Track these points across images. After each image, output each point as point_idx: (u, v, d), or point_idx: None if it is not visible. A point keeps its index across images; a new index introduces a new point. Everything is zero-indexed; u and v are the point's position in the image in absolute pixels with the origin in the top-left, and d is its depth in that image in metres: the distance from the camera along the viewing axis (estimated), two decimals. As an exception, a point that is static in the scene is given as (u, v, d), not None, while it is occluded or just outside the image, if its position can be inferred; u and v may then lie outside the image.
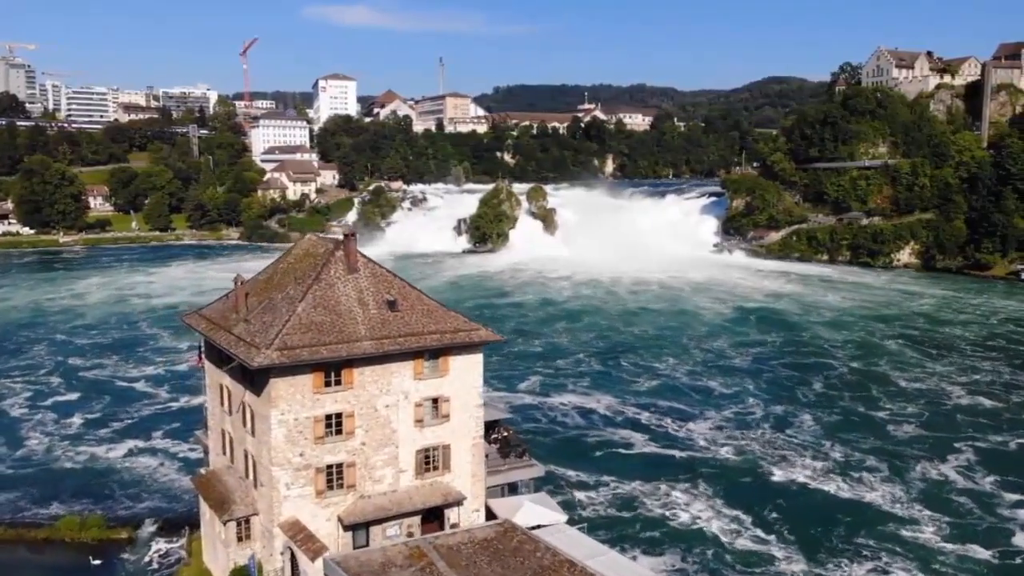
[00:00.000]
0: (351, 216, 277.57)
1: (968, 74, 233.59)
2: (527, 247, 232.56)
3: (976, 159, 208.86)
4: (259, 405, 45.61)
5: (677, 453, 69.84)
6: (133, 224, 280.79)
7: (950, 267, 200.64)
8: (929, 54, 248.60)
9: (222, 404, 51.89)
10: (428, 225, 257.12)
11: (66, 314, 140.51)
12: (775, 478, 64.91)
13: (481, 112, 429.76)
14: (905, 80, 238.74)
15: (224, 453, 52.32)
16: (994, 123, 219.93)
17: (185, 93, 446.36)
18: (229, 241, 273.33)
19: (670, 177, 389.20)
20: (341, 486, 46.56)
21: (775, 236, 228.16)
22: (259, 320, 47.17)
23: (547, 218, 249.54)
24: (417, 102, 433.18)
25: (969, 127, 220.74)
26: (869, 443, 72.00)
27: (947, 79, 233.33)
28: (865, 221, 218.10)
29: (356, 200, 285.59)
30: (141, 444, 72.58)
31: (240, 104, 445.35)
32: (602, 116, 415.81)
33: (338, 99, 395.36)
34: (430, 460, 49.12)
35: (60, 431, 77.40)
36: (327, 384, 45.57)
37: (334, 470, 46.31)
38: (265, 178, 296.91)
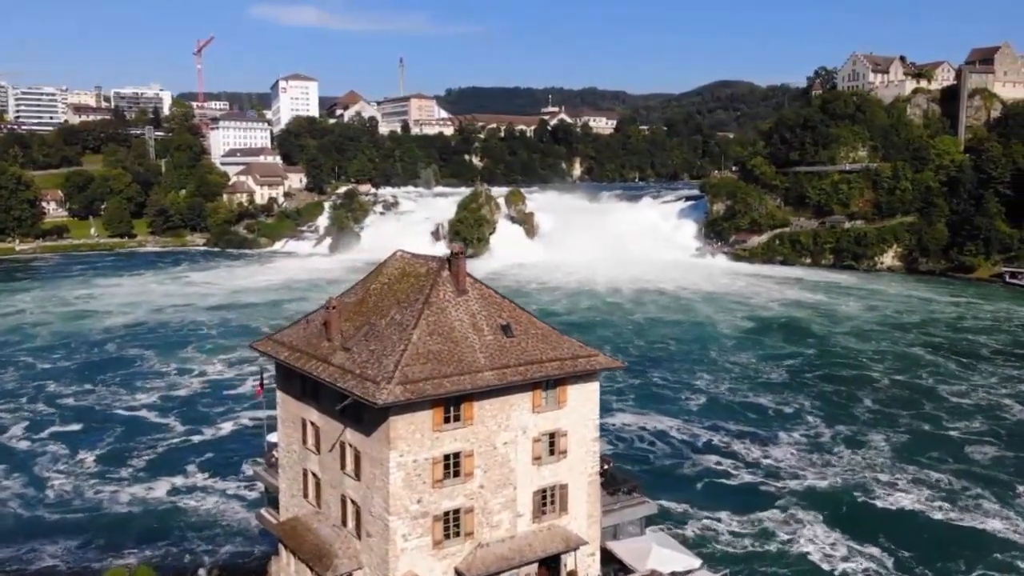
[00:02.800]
0: (322, 221, 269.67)
1: (943, 79, 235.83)
2: (508, 252, 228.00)
3: (956, 163, 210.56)
4: (370, 446, 40.44)
5: (775, 481, 65.97)
6: (92, 230, 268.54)
7: (933, 270, 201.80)
8: (902, 59, 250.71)
9: (305, 442, 46.44)
10: (404, 230, 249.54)
11: (16, 333, 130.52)
12: (882, 504, 61.60)
13: (444, 114, 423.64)
14: (881, 84, 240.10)
15: (306, 496, 46.83)
16: (969, 127, 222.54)
17: (138, 93, 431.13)
18: (195, 247, 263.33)
19: (636, 180, 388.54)
20: (458, 534, 41.74)
21: (758, 240, 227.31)
22: (364, 349, 41.94)
23: (527, 222, 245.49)
24: (380, 103, 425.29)
25: (946, 131, 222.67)
26: (956, 465, 69.25)
27: (923, 83, 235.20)
28: (847, 225, 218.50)
29: (326, 204, 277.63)
30: (180, 482, 66.05)
31: (194, 105, 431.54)
32: (567, 119, 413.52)
33: (299, 100, 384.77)
34: (547, 501, 44.52)
35: (79, 469, 70.52)
36: (446, 420, 40.70)
37: (451, 516, 41.44)
38: (231, 181, 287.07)
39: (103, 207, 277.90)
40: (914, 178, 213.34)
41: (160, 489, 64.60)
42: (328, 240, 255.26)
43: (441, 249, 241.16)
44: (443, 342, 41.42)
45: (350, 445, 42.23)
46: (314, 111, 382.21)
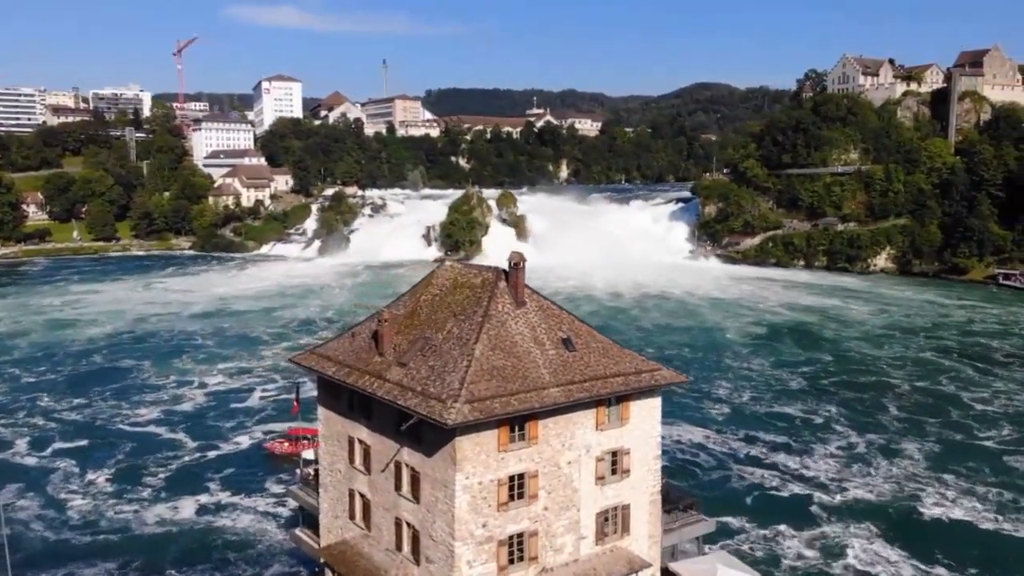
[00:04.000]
0: (310, 223, 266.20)
1: (932, 81, 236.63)
2: (500, 255, 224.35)
3: (948, 165, 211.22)
4: (433, 467, 38.42)
5: (823, 494, 64.26)
6: (75, 234, 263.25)
7: (926, 271, 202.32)
8: (891, 61, 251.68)
9: (352, 461, 44.29)
10: (394, 232, 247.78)
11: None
12: (933, 517, 60.39)
13: (429, 115, 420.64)
14: (872, 87, 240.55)
15: (353, 518, 44.68)
16: (959, 129, 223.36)
17: (117, 94, 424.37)
18: (180, 251, 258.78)
19: (622, 182, 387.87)
20: (522, 559, 39.81)
21: (751, 242, 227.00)
22: (422, 365, 39.93)
23: (518, 225, 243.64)
24: (364, 105, 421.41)
25: (937, 133, 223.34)
26: (997, 476, 67.89)
27: (913, 86, 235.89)
28: (841, 227, 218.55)
29: (314, 206, 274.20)
30: (205, 500, 63.12)
31: (174, 106, 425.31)
32: (553, 121, 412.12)
33: (283, 101, 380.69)
34: (609, 522, 42.71)
35: (95, 488, 67.27)
36: (511, 440, 38.79)
37: (515, 541, 39.52)
38: (216, 184, 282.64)
39: (84, 210, 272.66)
40: (906, 180, 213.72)
41: (186, 508, 61.79)
42: (317, 243, 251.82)
43: (433, 252, 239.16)
44: (506, 357, 39.52)
45: (407, 465, 40.18)
46: (298, 112, 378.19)
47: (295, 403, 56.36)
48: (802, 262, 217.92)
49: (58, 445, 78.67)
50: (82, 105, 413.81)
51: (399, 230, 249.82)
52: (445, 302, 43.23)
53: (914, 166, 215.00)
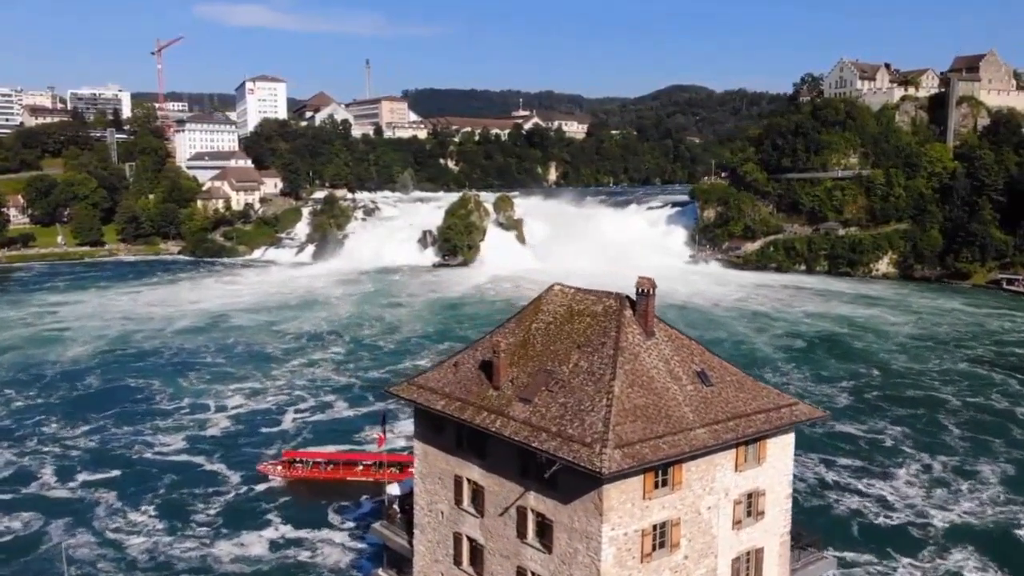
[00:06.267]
0: (301, 227, 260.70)
1: (928, 86, 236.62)
2: (500, 260, 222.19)
3: (948, 170, 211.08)
4: (571, 516, 35.15)
5: (923, 520, 61.93)
6: (59, 238, 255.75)
7: (928, 276, 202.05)
8: (887, 66, 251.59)
9: (459, 503, 40.88)
10: (389, 237, 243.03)
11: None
12: None
13: (414, 117, 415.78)
14: (869, 92, 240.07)
15: (459, 564, 41.27)
16: (956, 134, 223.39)
17: (96, 94, 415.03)
18: (170, 256, 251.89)
19: (611, 185, 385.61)
20: (663, 613, 36.62)
21: (752, 246, 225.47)
22: (552, 401, 36.64)
23: (517, 229, 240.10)
24: (348, 106, 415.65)
25: (936, 138, 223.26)
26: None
27: (911, 91, 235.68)
28: (842, 231, 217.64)
29: (305, 210, 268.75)
30: (272, 535, 58.85)
31: (155, 106, 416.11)
32: (541, 123, 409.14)
33: (267, 102, 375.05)
34: (743, 568, 39.72)
35: (145, 524, 62.56)
36: (656, 486, 35.66)
37: (656, 594, 36.39)
38: (205, 187, 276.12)
39: (67, 213, 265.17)
40: (907, 185, 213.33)
41: (255, 545, 57.46)
42: (310, 248, 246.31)
43: (431, 257, 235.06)
44: (646, 395, 36.34)
45: (534, 511, 36.89)
46: (283, 113, 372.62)
47: (382, 435, 52.46)
48: (803, 267, 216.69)
49: (85, 476, 73.46)
50: (59, 105, 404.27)
51: (394, 234, 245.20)
52: (563, 331, 39.89)
53: (914, 171, 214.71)
